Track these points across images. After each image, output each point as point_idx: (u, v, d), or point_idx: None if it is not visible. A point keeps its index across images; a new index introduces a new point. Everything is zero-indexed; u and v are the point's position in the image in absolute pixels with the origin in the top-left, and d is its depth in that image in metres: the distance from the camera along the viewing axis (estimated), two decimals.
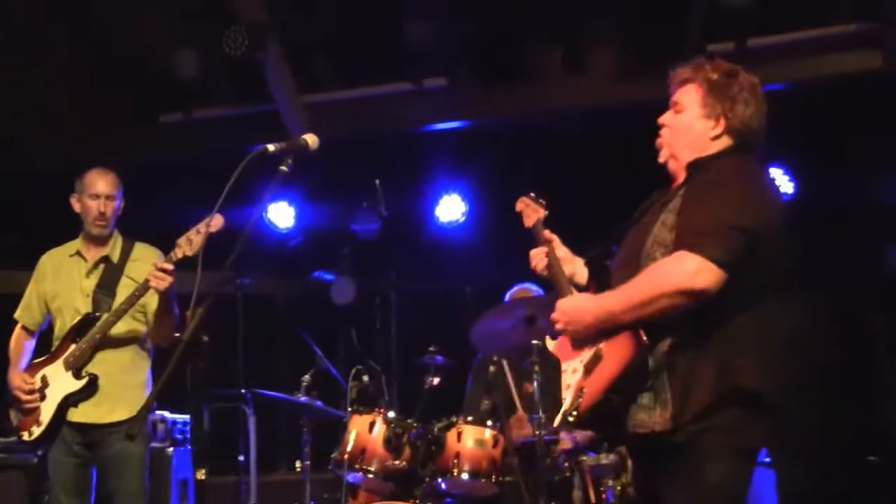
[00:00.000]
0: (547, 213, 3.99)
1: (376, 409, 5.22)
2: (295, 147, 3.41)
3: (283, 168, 3.37)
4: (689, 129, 3.47)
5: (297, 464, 5.69)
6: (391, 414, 5.20)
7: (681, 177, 3.48)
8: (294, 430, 5.91)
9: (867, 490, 6.49)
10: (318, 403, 5.77)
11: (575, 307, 3.43)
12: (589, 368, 3.38)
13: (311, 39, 6.80)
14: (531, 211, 4.03)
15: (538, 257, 3.85)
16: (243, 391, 6.29)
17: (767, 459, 6.22)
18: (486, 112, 6.87)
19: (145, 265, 5.05)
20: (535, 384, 4.73)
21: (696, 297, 3.16)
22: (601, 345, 3.34)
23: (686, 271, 3.16)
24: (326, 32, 6.76)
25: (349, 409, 5.36)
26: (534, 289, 6.04)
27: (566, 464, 5.13)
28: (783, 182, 7.55)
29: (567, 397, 3.41)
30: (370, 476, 5.11)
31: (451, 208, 8.18)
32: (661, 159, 3.55)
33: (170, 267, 4.81)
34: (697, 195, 3.32)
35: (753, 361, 3.26)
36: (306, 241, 8.31)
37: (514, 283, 7.87)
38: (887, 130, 6.93)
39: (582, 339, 3.41)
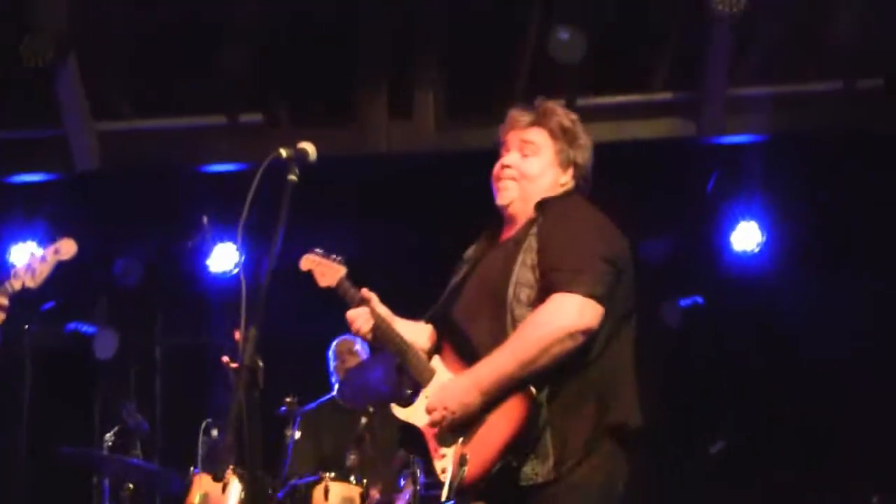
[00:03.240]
0: (346, 269, 3.60)
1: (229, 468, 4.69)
2: (299, 155, 2.99)
3: (293, 178, 2.94)
4: (542, 174, 3.42)
5: None
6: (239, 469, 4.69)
7: (521, 219, 3.40)
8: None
9: None
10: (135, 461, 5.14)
11: (456, 392, 3.19)
12: (467, 433, 3.17)
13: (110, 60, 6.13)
14: (325, 269, 3.64)
15: (361, 319, 3.48)
16: None
17: None
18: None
19: None
20: None
21: (585, 336, 3.11)
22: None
23: (571, 312, 3.10)
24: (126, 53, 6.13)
25: (192, 468, 4.78)
26: (356, 340, 5.74)
27: None
28: None
29: (446, 468, 3.16)
30: None
31: (225, 258, 7.67)
32: (504, 201, 3.43)
33: (5, 302, 4.14)
34: (554, 233, 3.27)
35: (629, 395, 3.30)
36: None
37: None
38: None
39: (468, 421, 3.18)
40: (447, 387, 3.22)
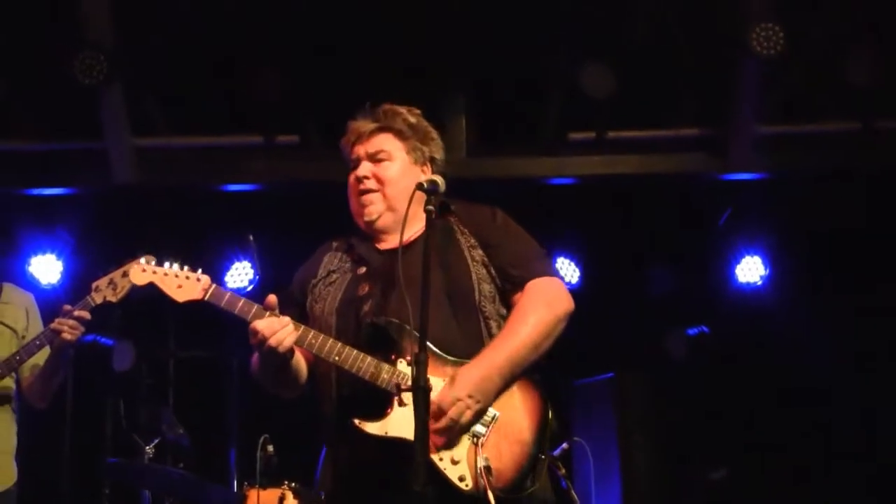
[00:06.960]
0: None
1: (284, 483, 4.76)
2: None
3: (431, 208, 2.89)
4: (402, 176, 3.26)
5: None
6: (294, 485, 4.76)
7: (396, 226, 3.13)
8: None
9: None
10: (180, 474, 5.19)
11: (479, 381, 2.98)
12: (480, 435, 2.97)
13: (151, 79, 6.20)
14: (176, 280, 3.19)
15: (283, 331, 3.01)
16: None
17: None
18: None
19: (16, 309, 4.60)
20: None
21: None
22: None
23: (566, 295, 3.19)
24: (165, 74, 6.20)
25: (245, 482, 4.83)
26: None
27: None
28: (570, 271, 7.83)
29: (464, 475, 2.92)
30: None
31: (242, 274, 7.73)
32: (372, 217, 3.23)
33: (87, 315, 4.24)
34: (501, 229, 3.26)
35: None
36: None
37: None
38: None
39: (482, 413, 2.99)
40: (469, 377, 2.97)
